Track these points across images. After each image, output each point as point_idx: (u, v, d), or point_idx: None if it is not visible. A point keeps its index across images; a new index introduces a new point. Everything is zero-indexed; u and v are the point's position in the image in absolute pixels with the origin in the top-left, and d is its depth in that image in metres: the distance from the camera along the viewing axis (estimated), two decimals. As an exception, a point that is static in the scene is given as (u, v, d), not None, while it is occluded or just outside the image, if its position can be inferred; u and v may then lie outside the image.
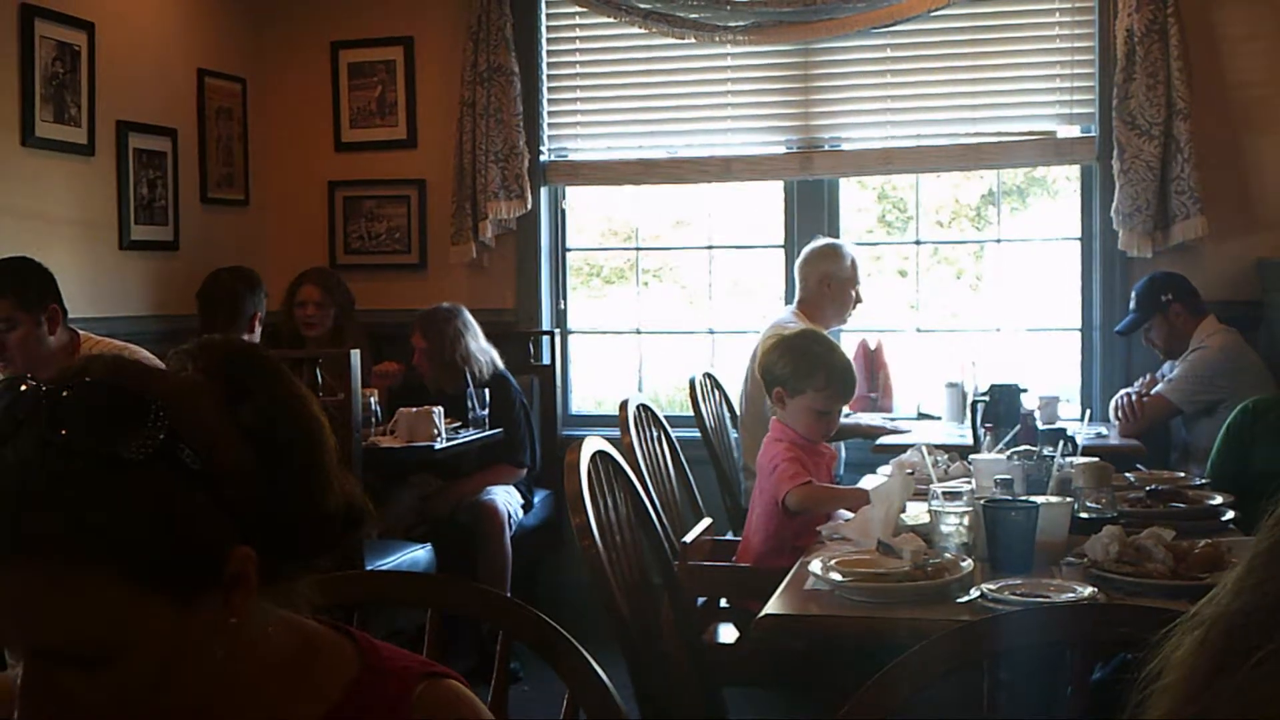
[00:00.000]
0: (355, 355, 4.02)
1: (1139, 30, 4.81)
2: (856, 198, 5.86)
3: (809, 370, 3.33)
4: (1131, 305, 4.61)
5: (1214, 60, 4.95)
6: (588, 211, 6.06)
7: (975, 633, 1.46)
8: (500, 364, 5.04)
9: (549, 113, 5.64)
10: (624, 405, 3.79)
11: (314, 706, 1.15)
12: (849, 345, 4.92)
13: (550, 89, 5.64)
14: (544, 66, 5.62)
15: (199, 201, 5.45)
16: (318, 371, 4.08)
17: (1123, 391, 4.59)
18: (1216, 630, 0.76)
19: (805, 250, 4.88)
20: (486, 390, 4.81)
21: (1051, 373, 5.30)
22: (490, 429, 4.76)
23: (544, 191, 5.64)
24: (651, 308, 5.94)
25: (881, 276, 5.72)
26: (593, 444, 2.78)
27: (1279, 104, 4.91)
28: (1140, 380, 4.62)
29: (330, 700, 1.15)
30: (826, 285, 4.74)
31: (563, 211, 5.77)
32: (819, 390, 3.33)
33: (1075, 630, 1.58)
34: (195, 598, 1.03)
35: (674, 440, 4.10)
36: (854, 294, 4.77)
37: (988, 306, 5.57)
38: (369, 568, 3.95)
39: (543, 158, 5.61)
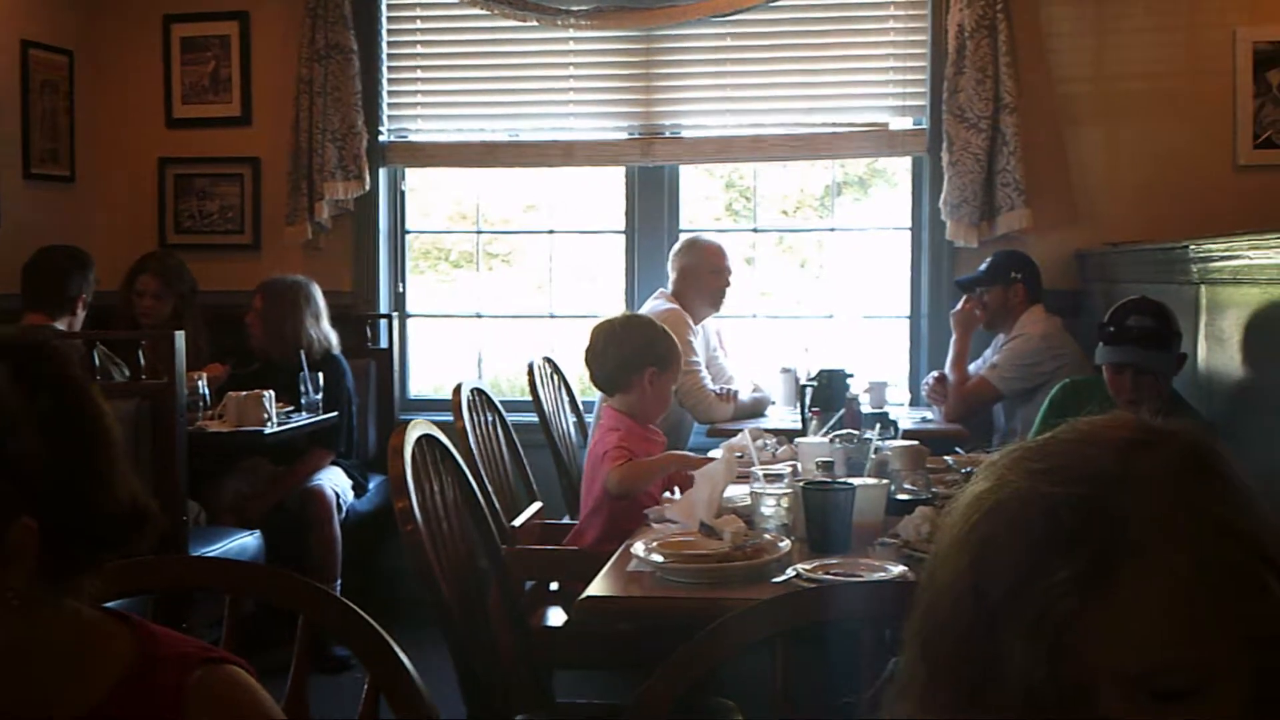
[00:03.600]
0: (180, 338, 3.90)
1: (969, 25, 4.94)
2: (704, 186, 5.91)
3: (671, 348, 3.47)
4: (982, 267, 4.76)
5: (1040, 56, 5.12)
6: (435, 194, 6.00)
7: (766, 610, 1.49)
8: (336, 348, 4.96)
9: (389, 93, 5.57)
10: (457, 389, 3.77)
11: (86, 695, 1.14)
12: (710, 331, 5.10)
13: (390, 69, 5.57)
14: (384, 46, 5.54)
15: (21, 178, 5.24)
16: (140, 354, 3.97)
17: (931, 374, 4.77)
18: (909, 660, 0.82)
19: (675, 245, 5.04)
20: (320, 374, 4.73)
21: (883, 358, 5.44)
22: (324, 413, 4.69)
23: (383, 173, 5.56)
24: (498, 292, 5.92)
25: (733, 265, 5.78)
26: (418, 427, 2.75)
27: (1101, 100, 5.10)
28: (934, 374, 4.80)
29: (103, 689, 1.14)
30: (684, 277, 4.87)
31: (402, 193, 5.70)
32: (678, 365, 3.52)
33: (874, 606, 1.62)
34: None
35: (509, 425, 4.09)
36: (718, 284, 4.85)
37: (826, 294, 5.68)
38: (196, 554, 3.86)
39: (382, 138, 5.53)
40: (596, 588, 2.45)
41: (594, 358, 3.50)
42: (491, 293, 5.87)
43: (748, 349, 5.44)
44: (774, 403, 4.92)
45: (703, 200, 5.89)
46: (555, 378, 4.78)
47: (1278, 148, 4.96)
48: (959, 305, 4.77)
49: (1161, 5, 5.05)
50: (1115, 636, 0.70)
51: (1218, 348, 3.52)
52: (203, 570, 1.83)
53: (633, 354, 3.44)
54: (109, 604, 1.23)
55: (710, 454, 3.65)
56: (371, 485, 5.00)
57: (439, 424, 2.90)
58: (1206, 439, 0.80)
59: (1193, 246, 3.62)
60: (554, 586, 3.50)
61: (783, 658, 1.49)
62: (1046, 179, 5.06)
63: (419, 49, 5.59)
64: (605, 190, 5.71)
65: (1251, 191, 4.86)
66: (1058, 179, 5.10)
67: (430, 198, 5.98)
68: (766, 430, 3.93)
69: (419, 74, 5.59)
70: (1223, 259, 3.44)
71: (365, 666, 1.53)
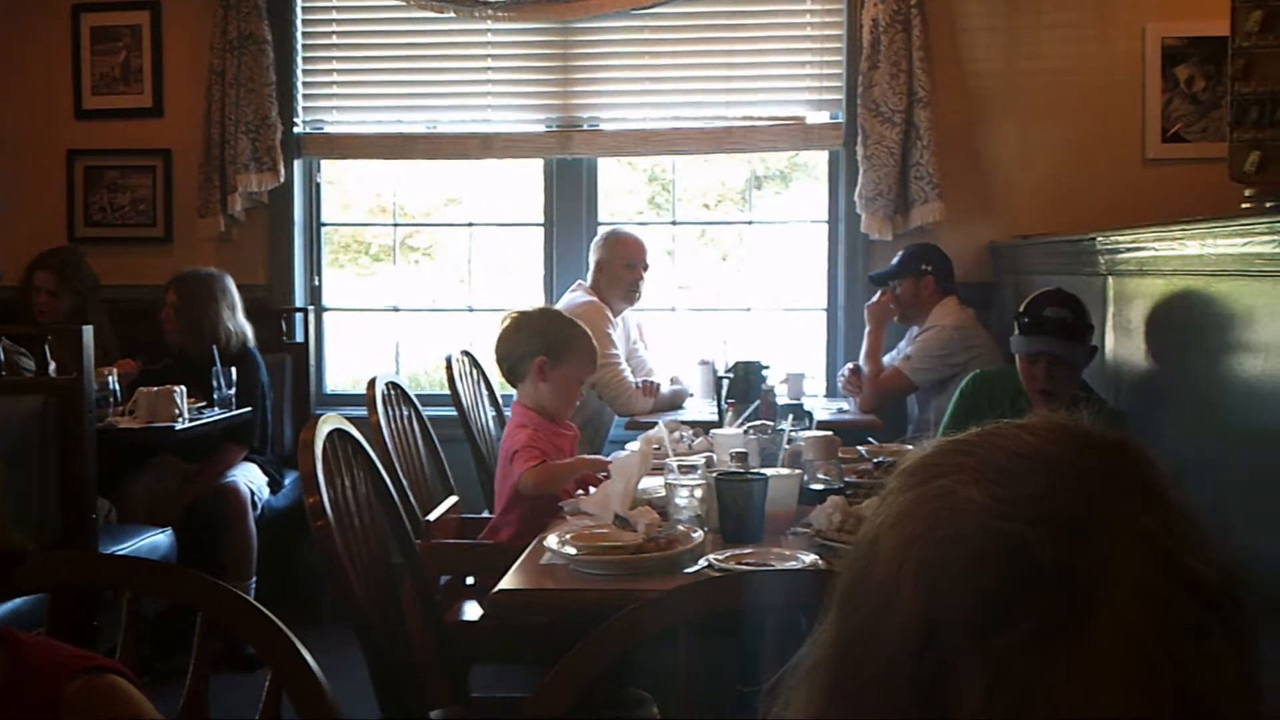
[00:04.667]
0: (88, 332, 3.83)
1: (884, 20, 4.99)
2: (627, 179, 5.91)
3: (571, 339, 3.42)
4: (895, 260, 4.80)
5: (954, 50, 5.18)
6: (358, 187, 5.94)
7: (669, 600, 1.49)
8: (252, 342, 4.90)
9: (304, 84, 5.50)
10: (372, 383, 3.73)
11: None
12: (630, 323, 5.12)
13: (305, 59, 5.50)
14: (299, 36, 5.47)
15: (-78, 169, 5.12)
16: (46, 349, 3.89)
17: (846, 366, 4.81)
18: (818, 678, 0.78)
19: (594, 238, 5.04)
20: (234, 369, 4.66)
21: (801, 350, 5.47)
22: (237, 409, 4.62)
23: (298, 164, 5.49)
24: (419, 286, 5.87)
25: (653, 258, 5.78)
26: (329, 422, 2.72)
27: (1014, 94, 5.18)
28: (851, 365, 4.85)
29: None
30: (600, 270, 4.88)
31: (317, 185, 5.63)
32: (581, 357, 3.43)
33: (783, 595, 1.63)
34: None
35: (425, 419, 4.06)
36: (634, 276, 4.85)
37: (746, 287, 5.70)
38: (104, 553, 3.79)
39: (296, 130, 5.47)
40: (509, 581, 2.44)
41: (497, 348, 3.50)
42: (412, 286, 5.83)
43: (669, 342, 5.46)
44: (692, 395, 4.94)
45: (626, 194, 5.89)
46: (474, 372, 4.75)
47: (1185, 142, 5.07)
48: (874, 298, 4.81)
49: (1072, 1, 5.14)
50: (1073, 691, 0.68)
51: (1125, 338, 3.58)
52: (94, 567, 1.79)
53: (525, 344, 3.43)
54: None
55: (628, 446, 3.66)
56: (287, 482, 4.94)
57: (355, 419, 2.87)
58: (1152, 458, 0.77)
59: (1100, 239, 3.68)
60: (470, 581, 3.48)
61: (686, 647, 1.49)
62: (960, 172, 5.13)
63: (335, 39, 5.53)
64: (525, 183, 5.69)
65: (1160, 184, 4.96)
66: (971, 172, 5.17)
67: (352, 191, 5.92)
68: (684, 422, 3.95)
69: (335, 65, 5.53)
70: (1129, 251, 3.50)
71: (265, 663, 1.51)
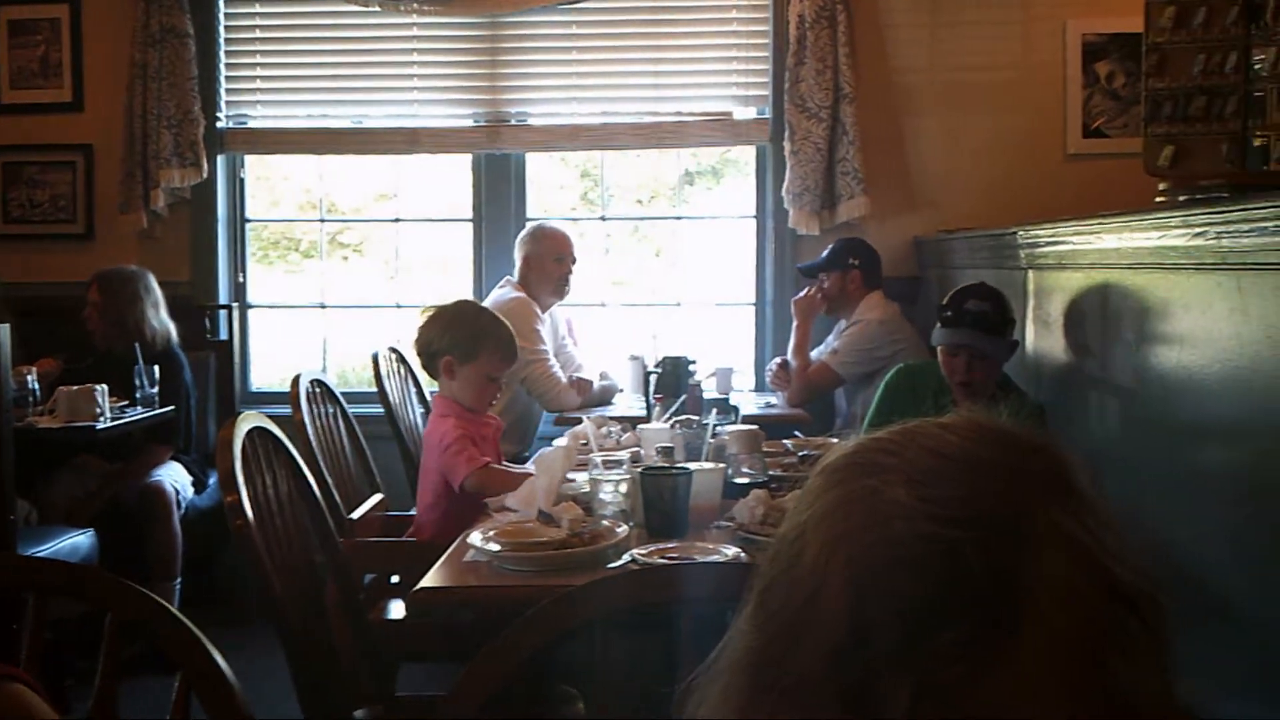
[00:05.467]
0: (4, 330, 3.75)
1: (810, 16, 5.02)
2: (560, 175, 5.90)
3: (476, 337, 3.38)
4: (824, 254, 4.84)
5: (879, 47, 5.22)
6: (287, 183, 5.87)
7: (584, 594, 1.49)
8: (175, 340, 4.84)
9: (227, 77, 5.43)
10: (296, 381, 3.70)
11: None
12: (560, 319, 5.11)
13: (229, 53, 5.43)
14: (221, 30, 5.40)
15: None
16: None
17: (774, 360, 4.84)
18: (738, 677, 0.76)
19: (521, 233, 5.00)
20: (156, 367, 4.60)
21: (731, 345, 5.49)
22: (161, 407, 4.56)
23: (221, 160, 5.43)
24: (350, 282, 5.82)
25: (585, 254, 5.78)
26: (249, 420, 2.69)
27: (938, 90, 5.23)
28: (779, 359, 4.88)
29: None
30: (528, 266, 4.85)
31: (241, 180, 5.57)
32: (491, 354, 3.38)
33: (703, 588, 1.63)
34: None
35: (350, 416, 4.02)
36: (562, 271, 4.84)
37: (677, 282, 5.72)
38: (24, 554, 3.72)
39: (220, 124, 5.40)
40: (431, 579, 2.42)
41: (414, 344, 3.52)
42: (342, 283, 5.78)
43: (600, 338, 5.45)
44: (622, 390, 4.94)
45: (558, 189, 5.88)
46: (401, 369, 4.72)
47: (1106, 137, 5.15)
48: (801, 293, 4.84)
49: (994, -2, 5.20)
50: (1000, 696, 0.67)
51: (1045, 331, 3.63)
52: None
53: (435, 341, 3.43)
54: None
55: (555, 443, 3.65)
56: (212, 481, 4.87)
57: (281, 417, 2.84)
58: (1072, 460, 0.77)
59: (1020, 233, 3.73)
60: (396, 579, 3.46)
61: (601, 642, 1.49)
62: (885, 168, 5.17)
63: (258, 33, 5.46)
64: (454, 179, 5.66)
65: (1081, 179, 5.03)
66: (896, 168, 5.21)
67: (281, 187, 5.85)
68: (612, 418, 3.95)
69: (258, 59, 5.47)
70: (1048, 245, 3.55)
71: (176, 663, 1.49)
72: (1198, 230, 2.50)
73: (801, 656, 0.71)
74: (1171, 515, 2.59)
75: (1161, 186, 2.80)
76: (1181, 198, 2.68)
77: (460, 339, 3.39)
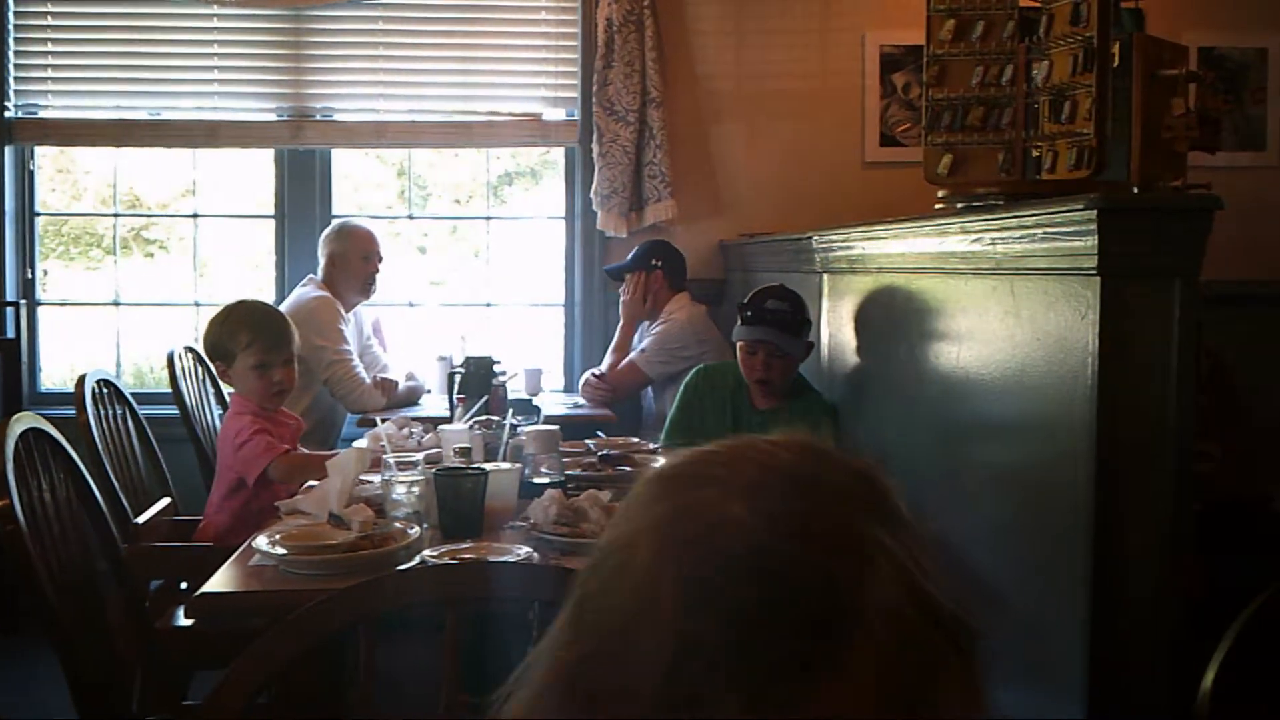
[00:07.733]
0: None
1: (618, 20, 5.06)
2: (376, 173, 5.81)
3: (232, 333, 3.39)
4: (630, 256, 4.88)
5: (686, 53, 5.30)
6: (89, 177, 5.64)
7: (344, 599, 1.48)
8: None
9: (16, 65, 5.20)
10: (80, 381, 3.57)
11: None
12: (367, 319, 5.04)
13: (18, 40, 5.20)
14: (10, 16, 5.17)
15: None
16: None
17: (589, 371, 4.86)
18: (552, 684, 0.74)
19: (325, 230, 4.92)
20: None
21: (542, 345, 5.50)
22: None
23: (9, 151, 5.19)
24: (153, 279, 5.62)
25: (401, 253, 5.71)
26: (23, 421, 2.59)
27: (742, 97, 5.33)
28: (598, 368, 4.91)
29: None
30: (334, 264, 4.78)
31: (30, 173, 5.34)
32: (248, 347, 3.38)
33: (477, 587, 1.64)
34: None
35: (141, 417, 3.90)
36: (368, 270, 4.78)
37: (490, 282, 5.69)
38: None
39: (8, 114, 5.17)
40: (214, 584, 2.37)
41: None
42: (144, 280, 5.58)
43: (414, 338, 5.40)
44: (430, 391, 4.90)
45: (374, 187, 5.79)
46: (199, 369, 4.59)
47: (901, 145, 5.32)
48: (628, 295, 4.87)
49: (796, 8, 5.33)
50: (827, 713, 0.67)
51: (838, 332, 3.74)
52: None
53: (208, 346, 3.48)
54: None
55: (356, 444, 3.61)
56: None
57: (68, 419, 2.74)
58: (894, 484, 0.77)
59: (816, 238, 3.83)
60: (185, 585, 3.37)
61: (366, 645, 1.48)
62: (692, 172, 5.25)
63: (50, 20, 5.24)
64: (257, 174, 5.52)
65: (878, 186, 5.20)
66: (702, 172, 5.30)
67: (83, 180, 5.62)
68: (415, 419, 3.92)
69: (50, 46, 5.25)
70: (841, 249, 3.66)
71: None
72: (974, 236, 2.61)
73: (628, 666, 0.70)
74: (948, 510, 2.70)
75: (940, 194, 2.91)
76: (959, 204, 2.79)
77: (219, 339, 3.42)
